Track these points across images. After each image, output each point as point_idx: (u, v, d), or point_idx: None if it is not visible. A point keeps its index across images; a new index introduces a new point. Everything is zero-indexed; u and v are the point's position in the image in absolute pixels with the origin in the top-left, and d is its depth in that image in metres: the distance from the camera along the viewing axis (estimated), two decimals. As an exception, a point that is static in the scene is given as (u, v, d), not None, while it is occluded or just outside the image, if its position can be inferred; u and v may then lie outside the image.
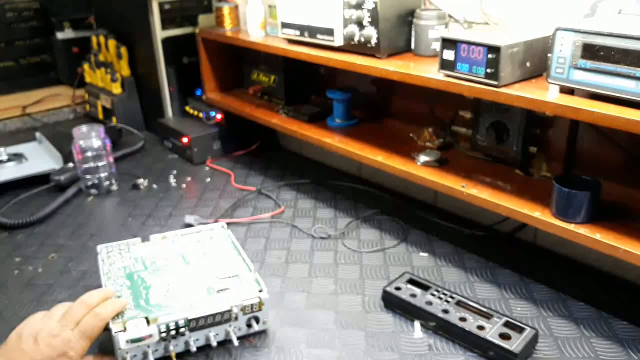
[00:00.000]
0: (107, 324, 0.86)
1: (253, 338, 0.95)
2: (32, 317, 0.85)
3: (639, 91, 0.79)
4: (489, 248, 1.19)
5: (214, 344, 0.90)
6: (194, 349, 0.88)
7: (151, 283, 0.96)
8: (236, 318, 0.91)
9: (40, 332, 0.81)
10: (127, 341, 0.84)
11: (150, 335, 0.86)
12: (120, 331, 0.85)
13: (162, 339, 0.87)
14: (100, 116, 2.05)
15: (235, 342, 0.90)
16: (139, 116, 2.00)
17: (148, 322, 0.86)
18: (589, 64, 0.84)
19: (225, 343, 0.92)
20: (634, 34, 0.78)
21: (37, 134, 1.80)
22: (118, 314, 0.88)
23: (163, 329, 0.86)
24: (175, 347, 0.88)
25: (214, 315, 0.89)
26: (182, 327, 0.87)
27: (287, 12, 1.32)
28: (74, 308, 0.85)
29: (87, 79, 2.14)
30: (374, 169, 1.25)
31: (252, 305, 0.92)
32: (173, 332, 0.87)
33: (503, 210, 1.01)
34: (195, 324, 0.88)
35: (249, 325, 0.93)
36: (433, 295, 0.99)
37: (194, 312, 0.88)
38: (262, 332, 0.96)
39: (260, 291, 0.93)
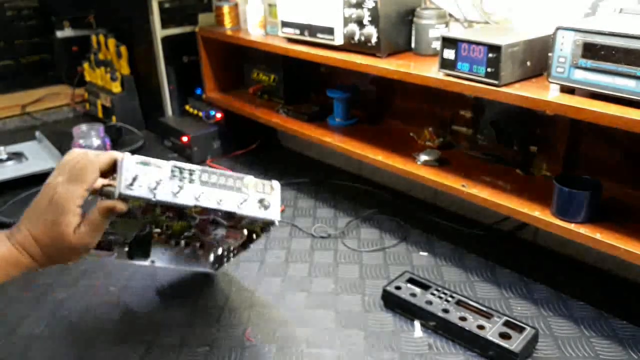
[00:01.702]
0: (112, 193, 0.79)
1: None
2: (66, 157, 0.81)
3: (640, 90, 0.79)
4: (489, 247, 1.19)
5: (222, 207, 0.84)
6: (201, 202, 0.83)
7: None
8: (247, 193, 0.87)
9: (47, 180, 0.79)
10: (137, 163, 0.80)
11: (160, 167, 0.81)
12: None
13: (173, 175, 0.82)
14: (100, 115, 2.05)
15: (241, 211, 0.86)
16: (139, 115, 1.99)
17: None
18: (590, 63, 0.84)
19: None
20: (634, 33, 0.78)
21: (37, 133, 1.80)
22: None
23: (174, 167, 0.82)
24: (182, 192, 0.82)
25: (225, 176, 0.86)
26: (193, 173, 0.83)
27: (287, 11, 1.32)
28: (76, 158, 0.80)
29: (87, 78, 2.14)
30: (374, 168, 1.25)
31: (263, 185, 0.89)
32: (185, 175, 0.83)
33: (503, 210, 1.01)
34: (207, 177, 0.84)
35: (259, 206, 0.88)
36: (433, 294, 0.99)
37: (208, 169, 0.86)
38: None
39: None
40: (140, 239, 0.98)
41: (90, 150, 0.81)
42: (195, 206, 0.83)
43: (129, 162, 0.79)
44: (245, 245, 1.03)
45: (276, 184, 0.91)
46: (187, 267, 1.10)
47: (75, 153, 0.81)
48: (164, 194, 0.81)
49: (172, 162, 0.83)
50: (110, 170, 0.81)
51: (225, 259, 1.10)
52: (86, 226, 0.76)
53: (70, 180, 0.76)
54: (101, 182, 0.82)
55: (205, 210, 0.85)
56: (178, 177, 0.82)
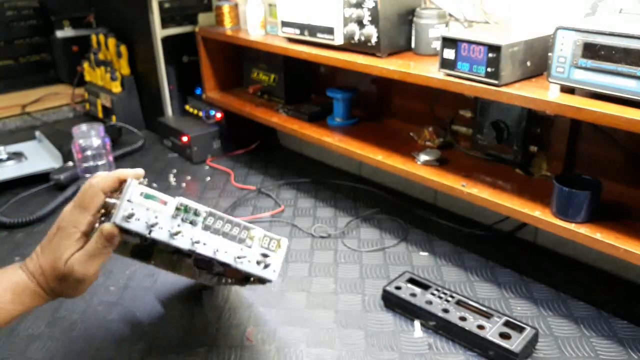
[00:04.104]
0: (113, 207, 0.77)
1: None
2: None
3: (640, 90, 0.79)
4: (489, 247, 1.19)
5: (218, 257, 0.82)
6: (197, 249, 0.80)
7: None
8: (250, 246, 0.84)
9: None
10: (141, 194, 0.77)
11: (165, 203, 0.78)
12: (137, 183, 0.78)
13: (174, 216, 0.79)
14: (100, 115, 2.05)
15: (237, 265, 0.83)
16: (139, 115, 2.00)
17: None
18: (590, 63, 0.84)
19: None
20: (634, 33, 0.78)
21: (37, 133, 1.80)
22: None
23: (180, 205, 0.79)
24: (180, 234, 0.79)
25: (232, 223, 0.83)
26: (198, 215, 0.80)
27: (287, 11, 1.32)
28: (84, 184, 0.79)
29: (87, 78, 2.13)
30: (374, 168, 1.25)
31: (270, 240, 0.86)
32: (188, 216, 0.79)
33: (503, 210, 1.01)
34: (211, 221, 0.81)
35: (258, 263, 0.85)
36: (433, 294, 0.99)
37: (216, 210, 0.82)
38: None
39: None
40: (142, 248, 0.95)
41: (102, 173, 0.80)
42: (190, 251, 0.80)
43: (133, 192, 0.76)
44: (242, 283, 1.00)
45: (284, 242, 0.87)
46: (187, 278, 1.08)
47: (88, 180, 0.79)
48: (161, 233, 0.78)
49: (179, 200, 0.79)
50: (119, 189, 0.79)
51: (223, 282, 1.05)
52: (82, 253, 0.75)
53: (75, 206, 0.76)
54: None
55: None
56: (181, 216, 0.79)
